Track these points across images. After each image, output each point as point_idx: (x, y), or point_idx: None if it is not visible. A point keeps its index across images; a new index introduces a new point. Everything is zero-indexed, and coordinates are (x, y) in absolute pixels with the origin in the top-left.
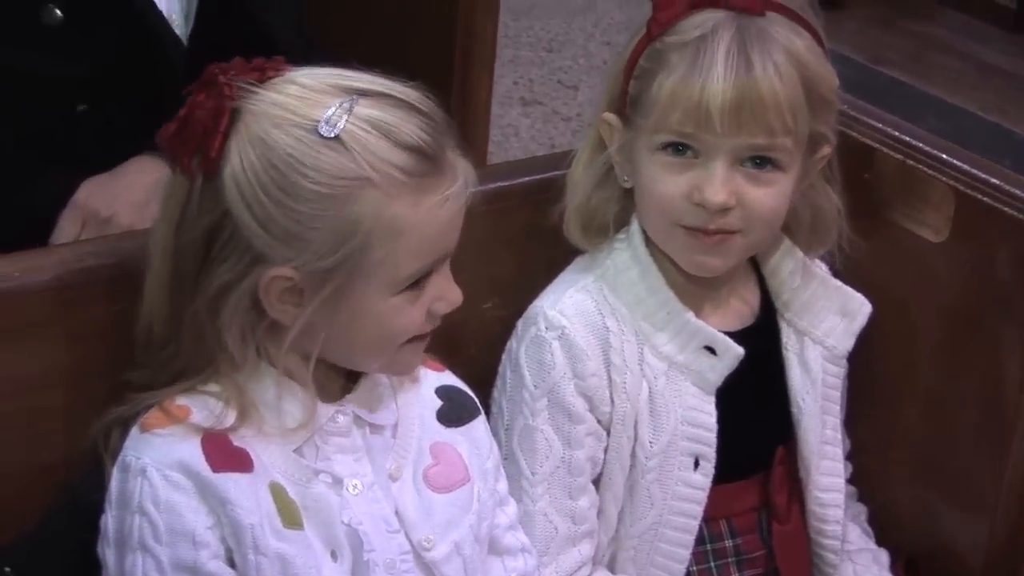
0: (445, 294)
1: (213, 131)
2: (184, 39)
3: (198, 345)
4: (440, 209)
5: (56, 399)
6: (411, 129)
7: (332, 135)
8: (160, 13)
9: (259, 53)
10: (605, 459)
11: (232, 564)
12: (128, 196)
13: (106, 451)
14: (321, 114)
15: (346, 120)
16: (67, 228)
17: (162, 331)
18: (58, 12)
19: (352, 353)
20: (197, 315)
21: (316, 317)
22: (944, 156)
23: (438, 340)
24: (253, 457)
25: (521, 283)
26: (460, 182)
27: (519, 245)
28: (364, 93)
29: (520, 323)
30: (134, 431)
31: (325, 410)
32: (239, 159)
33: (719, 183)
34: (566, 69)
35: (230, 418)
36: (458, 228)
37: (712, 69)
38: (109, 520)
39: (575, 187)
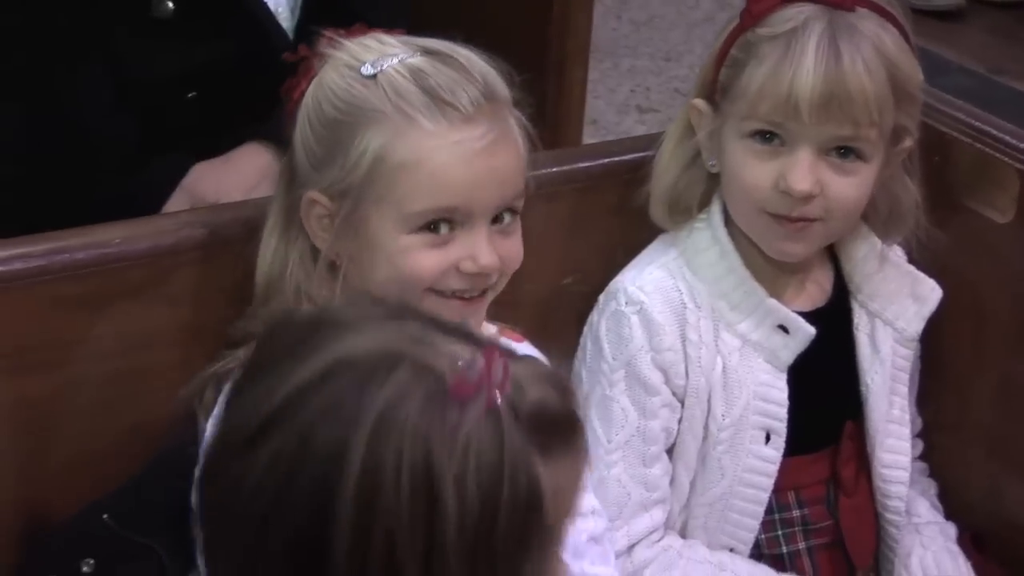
0: (474, 254)
1: (297, 82)
2: (290, 32)
3: (295, 295)
4: (450, 154)
5: (157, 359)
6: (443, 79)
7: (370, 74)
8: (267, 6)
9: None
10: (679, 430)
11: None
12: (235, 181)
13: (200, 407)
14: (373, 59)
15: (390, 64)
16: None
17: (267, 286)
18: (170, 4)
19: (379, 292)
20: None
21: (343, 246)
22: (1010, 139)
23: (521, 312)
24: None
25: (602, 261)
26: (476, 134)
27: (603, 224)
28: (428, 51)
29: (602, 297)
30: (226, 388)
31: None
32: (305, 99)
33: (804, 172)
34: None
35: None
36: (485, 187)
37: (802, 61)
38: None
39: (662, 169)
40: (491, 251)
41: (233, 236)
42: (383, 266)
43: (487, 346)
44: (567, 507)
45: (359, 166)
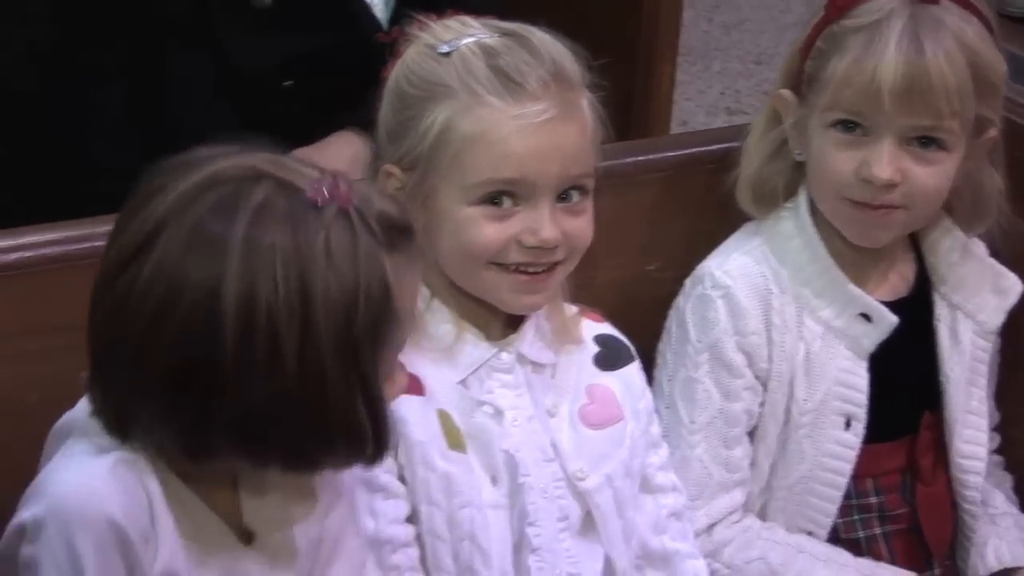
0: (536, 227)
1: (391, 63)
2: (385, 23)
3: None
4: (511, 127)
5: None
6: (512, 58)
7: (445, 52)
8: None
9: None
10: (761, 413)
11: (402, 480)
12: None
13: None
14: (451, 38)
15: (464, 43)
16: None
17: None
18: None
19: (445, 263)
20: None
21: (413, 217)
22: None
23: (605, 297)
24: (424, 385)
25: (686, 249)
26: (539, 109)
27: (687, 213)
28: (504, 32)
29: (688, 281)
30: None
31: (490, 348)
32: (389, 77)
33: (886, 160)
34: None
35: None
36: (546, 161)
37: (885, 52)
38: None
39: (749, 157)
40: (553, 225)
41: None
42: (447, 237)
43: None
44: (408, 305)
45: (427, 138)
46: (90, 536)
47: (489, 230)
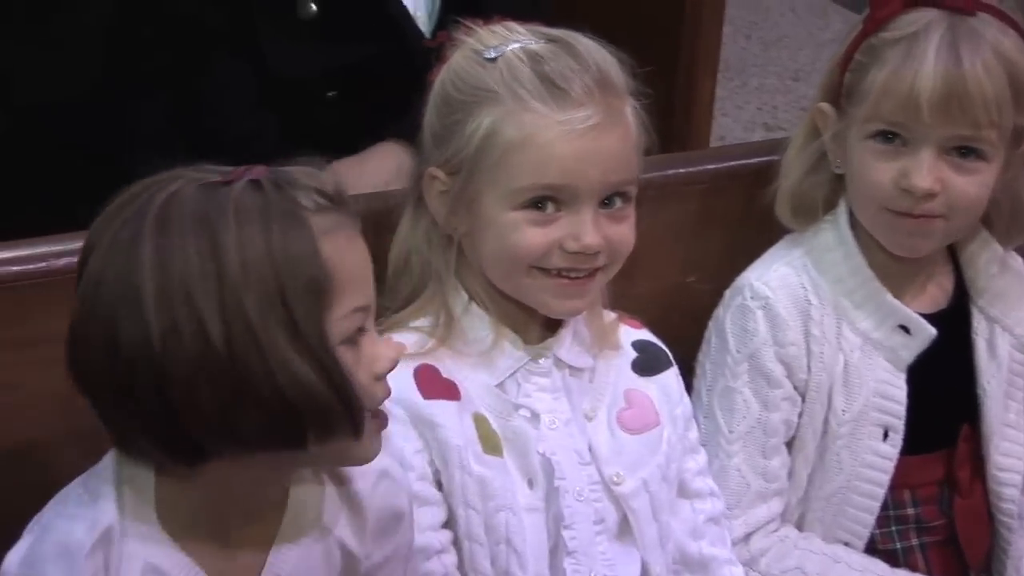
0: (578, 232)
1: (438, 68)
2: (428, 34)
3: (422, 271)
4: (555, 133)
5: None
6: (557, 65)
7: (492, 57)
8: (406, 10)
9: None
10: (799, 423)
11: (439, 486)
12: (371, 179)
13: None
14: (497, 43)
15: (510, 49)
16: None
17: (397, 261)
18: (313, 7)
19: (487, 267)
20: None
21: (457, 220)
22: None
23: (645, 307)
24: (460, 389)
25: (725, 261)
26: (582, 115)
27: (726, 226)
28: (550, 39)
29: (728, 292)
30: None
31: (527, 352)
32: (435, 82)
33: (925, 170)
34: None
35: (437, 347)
36: (589, 167)
37: (923, 63)
38: None
39: (788, 171)
40: (595, 231)
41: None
42: (491, 241)
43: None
44: (355, 269)
45: (472, 142)
46: None
47: (532, 235)
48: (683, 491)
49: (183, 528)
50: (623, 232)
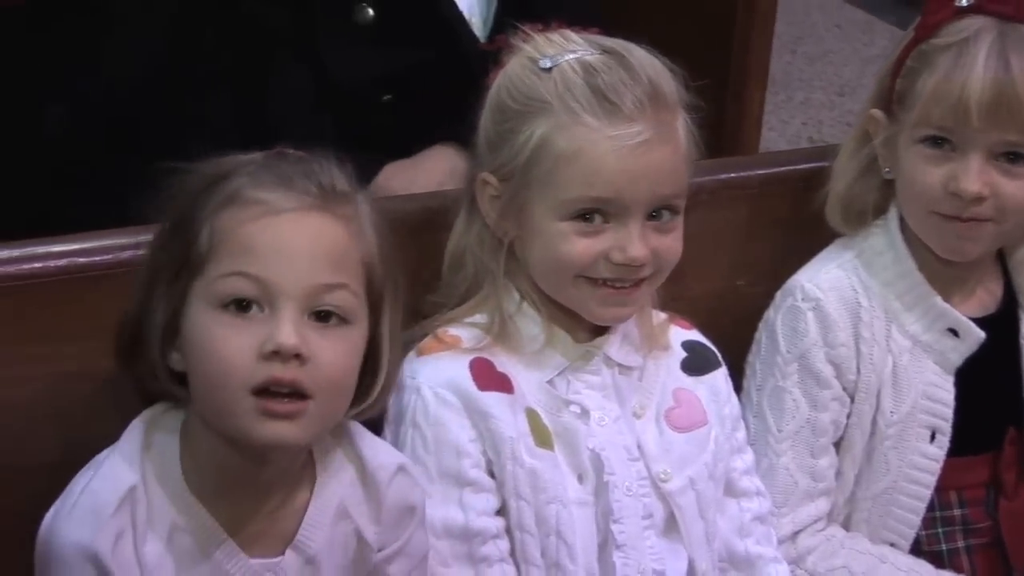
0: (624, 244)
1: (495, 73)
2: (483, 39)
3: (481, 271)
4: (606, 148)
5: None
6: (611, 78)
7: (547, 67)
8: (461, 14)
9: None
10: (847, 424)
11: (491, 475)
12: (425, 181)
13: None
14: (553, 53)
15: (566, 59)
16: None
17: (452, 260)
18: (370, 11)
19: (536, 273)
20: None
21: (507, 225)
22: None
23: (696, 310)
24: (514, 384)
25: (775, 264)
26: (633, 131)
27: (776, 230)
28: (605, 50)
29: (779, 294)
30: (411, 356)
31: (577, 350)
32: (492, 87)
33: (974, 175)
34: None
35: (492, 344)
36: (638, 182)
37: (973, 68)
38: (386, 434)
39: (839, 176)
40: (642, 244)
41: (419, 223)
42: (539, 249)
43: None
44: (249, 242)
45: (523, 152)
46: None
47: (579, 245)
48: (730, 490)
49: (209, 493)
50: (669, 244)
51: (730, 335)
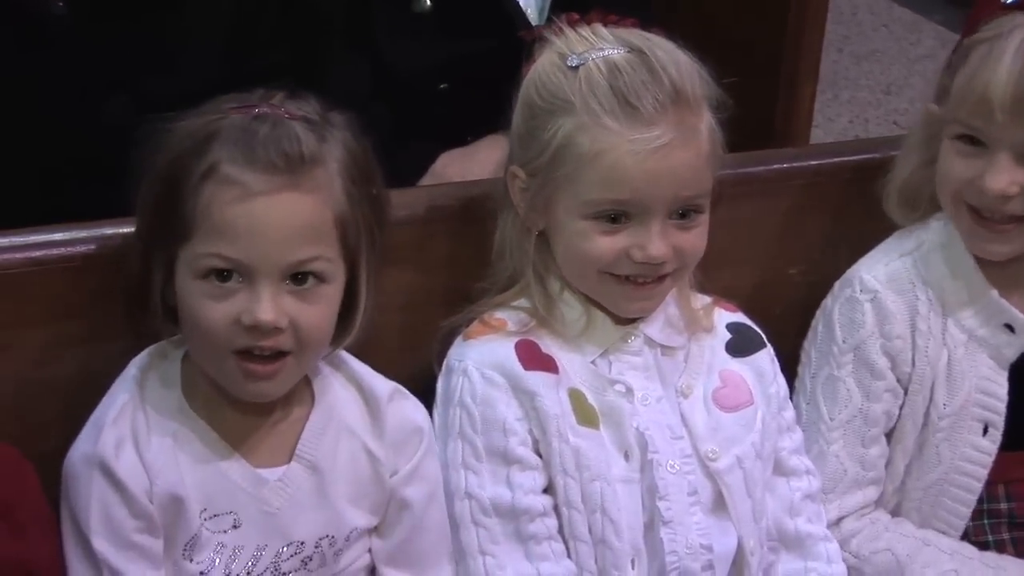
0: (644, 243)
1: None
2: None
3: (519, 258)
4: (626, 151)
5: (417, 317)
6: (633, 79)
7: (574, 65)
8: (517, 4)
9: None
10: (900, 415)
11: (538, 454)
12: (480, 169)
13: (437, 359)
14: (582, 50)
15: (594, 59)
16: None
17: (498, 249)
18: (428, 2)
19: (562, 266)
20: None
21: (535, 218)
22: None
23: (748, 297)
24: (559, 364)
25: (826, 254)
26: (653, 135)
27: (828, 220)
28: (632, 48)
29: (837, 284)
30: (458, 340)
31: (618, 331)
32: (524, 81)
33: (999, 173)
34: (902, 112)
35: (537, 327)
36: (658, 185)
37: (998, 67)
38: (435, 416)
39: (901, 166)
40: (662, 242)
41: (481, 209)
42: (563, 244)
43: None
44: (226, 222)
45: (548, 149)
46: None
47: (601, 244)
48: (779, 469)
49: (210, 407)
50: (692, 240)
51: (781, 322)
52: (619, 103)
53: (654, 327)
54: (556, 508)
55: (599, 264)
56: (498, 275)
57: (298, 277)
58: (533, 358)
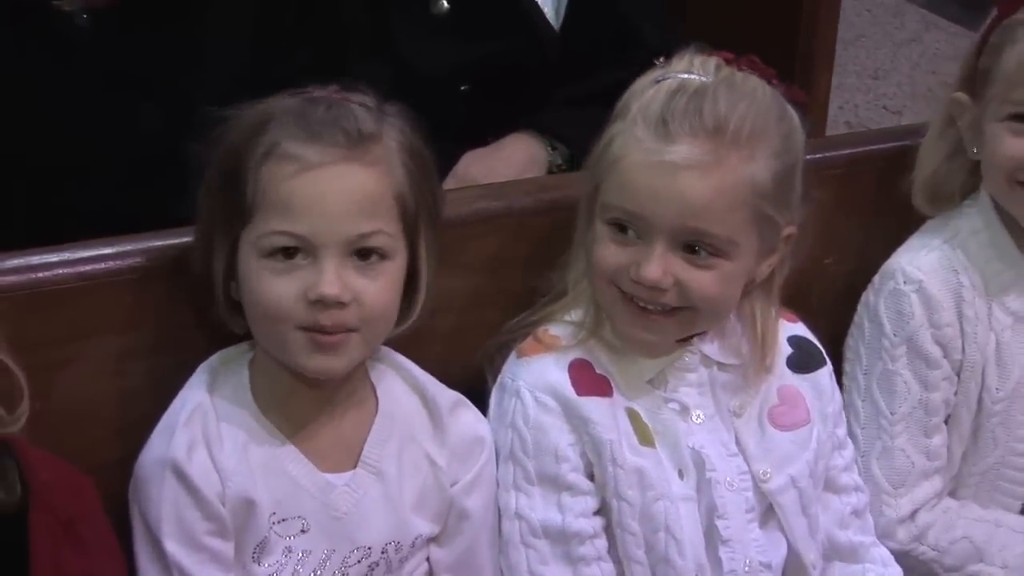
0: (641, 262)
1: None
2: (556, 28)
3: (577, 267)
4: (640, 158)
5: (456, 321)
6: (681, 103)
7: (658, 80)
8: (536, 4)
9: (625, 45)
10: (954, 402)
11: (591, 477)
12: (505, 169)
13: (490, 369)
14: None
15: (672, 79)
16: None
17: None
18: (445, 3)
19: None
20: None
21: (588, 225)
22: None
23: (784, 287)
24: (613, 385)
25: (862, 243)
26: (671, 150)
27: (863, 208)
28: (718, 78)
29: (877, 278)
30: (512, 356)
31: (675, 348)
32: None
33: None
34: (891, 96)
35: (590, 342)
36: (663, 203)
37: None
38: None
39: (925, 160)
40: (658, 266)
41: (526, 208)
42: (591, 247)
43: None
44: (287, 199)
45: (597, 151)
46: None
47: (609, 250)
48: (830, 486)
49: (278, 412)
50: (701, 280)
51: (817, 312)
52: (658, 119)
53: (711, 346)
54: (608, 529)
55: (604, 270)
56: (561, 278)
57: (361, 253)
58: (587, 382)
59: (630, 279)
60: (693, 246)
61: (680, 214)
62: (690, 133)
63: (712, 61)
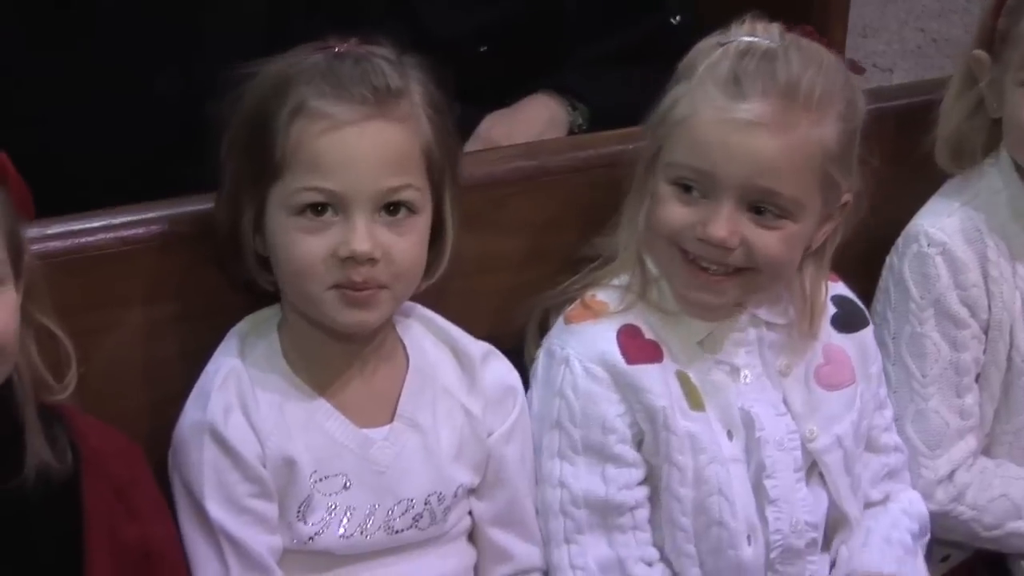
0: (707, 220)
1: None
2: None
3: (629, 230)
4: (711, 116)
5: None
6: (752, 64)
7: (723, 42)
8: None
9: (642, 5)
10: (983, 361)
11: (639, 447)
12: (525, 129)
13: (533, 332)
14: (738, 38)
15: (738, 42)
16: None
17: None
18: None
19: (645, 236)
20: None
21: (645, 186)
22: None
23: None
24: (663, 349)
25: (882, 199)
26: (743, 108)
27: (884, 165)
28: (779, 43)
29: (900, 241)
30: (559, 322)
31: (732, 310)
32: None
33: None
34: (880, 53)
35: (638, 306)
36: (734, 160)
37: None
38: (533, 399)
39: (947, 118)
40: (726, 226)
41: (561, 167)
42: (649, 206)
43: None
44: (317, 155)
45: (661, 110)
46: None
47: (672, 209)
48: (871, 445)
49: (311, 371)
50: (766, 241)
51: (841, 271)
52: (729, 78)
53: (760, 307)
54: (652, 496)
55: (667, 230)
56: (604, 247)
57: (390, 208)
58: (636, 348)
59: (695, 238)
60: (759, 206)
61: (750, 172)
62: (762, 92)
63: (775, 26)
